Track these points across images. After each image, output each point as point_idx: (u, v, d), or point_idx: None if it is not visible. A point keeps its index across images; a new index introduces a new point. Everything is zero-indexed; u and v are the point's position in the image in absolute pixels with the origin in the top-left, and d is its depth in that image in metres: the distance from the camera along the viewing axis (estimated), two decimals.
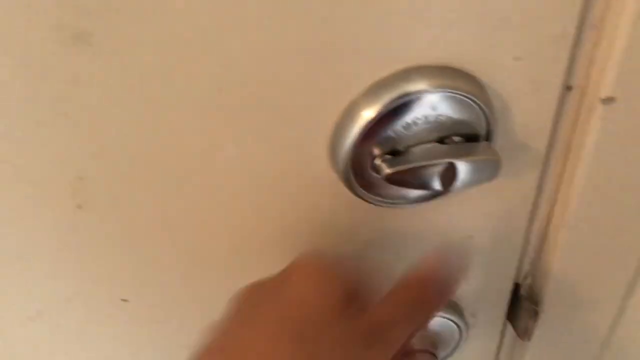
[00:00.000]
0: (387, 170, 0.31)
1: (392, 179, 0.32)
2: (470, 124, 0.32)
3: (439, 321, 0.46)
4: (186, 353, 0.40)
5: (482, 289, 0.45)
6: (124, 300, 0.37)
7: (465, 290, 0.45)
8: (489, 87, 0.32)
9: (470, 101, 0.31)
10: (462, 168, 0.32)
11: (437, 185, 0.32)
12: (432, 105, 0.31)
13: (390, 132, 0.31)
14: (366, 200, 0.34)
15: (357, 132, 0.30)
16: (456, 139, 0.32)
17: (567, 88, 0.34)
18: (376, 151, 0.32)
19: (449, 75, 0.30)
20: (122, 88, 0.28)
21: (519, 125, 0.34)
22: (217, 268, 0.37)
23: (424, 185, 0.32)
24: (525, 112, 0.34)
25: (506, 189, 0.38)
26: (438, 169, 0.32)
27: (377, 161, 0.32)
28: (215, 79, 0.28)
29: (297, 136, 0.31)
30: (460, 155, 0.31)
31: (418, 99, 0.30)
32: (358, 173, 0.33)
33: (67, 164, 0.30)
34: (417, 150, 0.32)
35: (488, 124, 0.32)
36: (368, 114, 0.30)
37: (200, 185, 0.32)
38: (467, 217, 0.39)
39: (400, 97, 0.30)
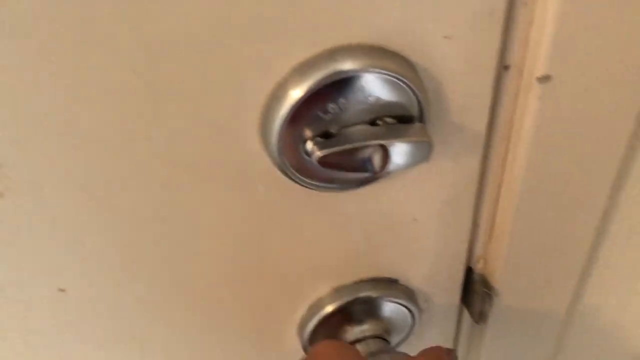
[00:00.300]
0: (318, 152, 0.31)
1: (325, 162, 0.31)
2: (402, 106, 0.31)
3: (391, 307, 0.45)
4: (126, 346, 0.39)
5: (434, 273, 0.45)
6: (62, 290, 0.36)
7: (417, 276, 0.45)
8: (420, 68, 0.31)
9: (399, 82, 0.30)
10: (394, 150, 0.31)
11: (370, 167, 0.32)
12: (361, 86, 0.30)
13: (320, 113, 0.30)
14: (302, 185, 0.34)
15: (286, 112, 0.30)
16: (389, 120, 0.32)
17: (505, 67, 0.34)
18: (307, 134, 0.31)
19: (377, 55, 0.30)
20: (40, 70, 0.27)
21: (457, 106, 0.34)
22: (150, 258, 0.36)
23: (357, 167, 0.32)
24: (462, 93, 0.33)
25: (449, 172, 0.37)
26: (370, 151, 0.31)
27: (309, 144, 0.31)
28: (130, 60, 0.27)
29: (225, 119, 0.31)
30: (391, 137, 0.31)
31: (346, 79, 0.30)
32: (291, 157, 0.32)
33: None
34: (348, 132, 0.31)
35: (420, 105, 0.32)
36: (296, 93, 0.29)
37: (127, 173, 0.31)
38: (410, 200, 0.38)
39: (327, 76, 0.29)
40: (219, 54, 0.28)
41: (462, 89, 0.33)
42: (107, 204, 0.32)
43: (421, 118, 0.32)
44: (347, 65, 0.29)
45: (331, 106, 0.30)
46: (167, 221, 0.34)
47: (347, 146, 0.30)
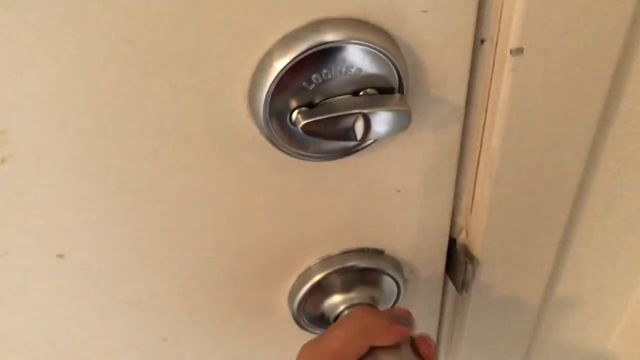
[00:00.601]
0: (302, 121, 0.32)
1: (309, 130, 0.33)
2: (383, 78, 0.33)
3: (378, 276, 0.47)
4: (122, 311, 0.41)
5: (419, 244, 0.47)
6: (60, 256, 0.38)
7: (402, 246, 0.47)
8: (400, 41, 0.33)
9: (380, 54, 0.32)
10: (375, 119, 0.33)
11: (352, 135, 0.33)
12: (343, 58, 0.32)
13: (304, 83, 0.32)
14: (288, 154, 0.35)
15: (271, 82, 0.31)
16: (370, 91, 0.34)
17: (481, 41, 0.35)
18: (293, 104, 0.33)
19: (358, 28, 0.31)
20: (40, 41, 0.28)
21: (436, 79, 0.35)
22: (145, 224, 0.38)
23: (340, 136, 0.33)
24: (440, 66, 0.35)
25: (430, 143, 0.39)
26: (351, 120, 0.33)
27: (294, 113, 0.33)
28: (124, 31, 0.29)
29: (215, 89, 0.32)
30: (372, 106, 0.32)
31: (329, 50, 0.31)
32: (277, 126, 0.34)
33: None
34: (331, 102, 0.33)
35: (400, 77, 0.33)
36: (280, 64, 0.31)
37: (122, 141, 0.33)
38: (393, 172, 0.40)
39: (310, 47, 0.31)
40: (207, 25, 0.30)
41: (441, 62, 0.35)
42: (103, 171, 0.34)
43: (401, 89, 0.34)
44: (329, 36, 0.31)
45: (315, 77, 0.32)
46: (159, 187, 0.36)
47: (330, 115, 0.32)
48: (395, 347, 0.38)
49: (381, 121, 0.33)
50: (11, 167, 0.33)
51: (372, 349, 0.38)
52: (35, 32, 0.28)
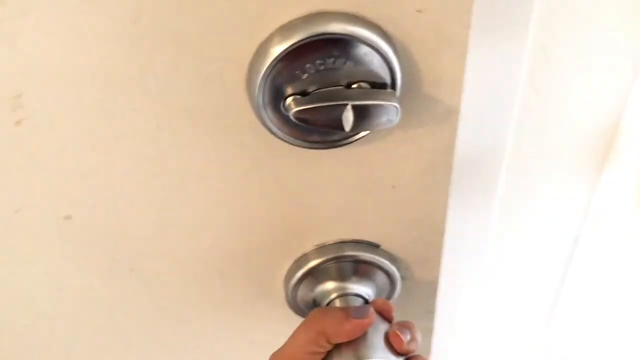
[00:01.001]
0: (294, 108, 0.34)
1: (300, 118, 0.34)
2: (376, 73, 0.34)
3: (372, 270, 0.48)
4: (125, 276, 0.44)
5: (414, 242, 0.48)
6: (68, 217, 0.41)
7: (398, 242, 0.48)
8: (395, 39, 0.34)
9: (374, 50, 0.33)
10: (363, 111, 0.34)
11: (340, 126, 0.35)
12: (337, 51, 0.33)
13: (298, 72, 0.34)
14: (283, 140, 0.37)
15: (267, 67, 0.33)
16: (363, 85, 0.35)
17: None
18: (287, 90, 0.35)
19: (353, 22, 0.33)
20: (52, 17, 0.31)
21: (431, 78, 0.36)
22: (150, 194, 0.40)
23: (329, 125, 0.35)
24: (436, 65, 0.36)
25: (426, 141, 0.40)
26: (341, 110, 0.34)
27: (288, 100, 0.35)
28: (130, 11, 0.31)
29: (215, 73, 0.34)
30: (360, 99, 0.34)
31: (323, 42, 0.33)
32: (272, 111, 0.35)
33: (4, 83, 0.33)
34: (322, 91, 0.34)
35: (393, 73, 0.35)
36: (277, 50, 0.33)
37: (127, 115, 0.36)
38: (388, 167, 0.41)
39: (306, 38, 0.32)
40: (211, 10, 0.32)
41: (436, 61, 0.36)
42: (111, 140, 0.37)
43: (394, 86, 0.35)
44: (323, 28, 0.32)
45: (308, 66, 0.34)
46: (161, 160, 0.38)
47: (320, 104, 0.34)
48: (360, 339, 0.39)
49: (370, 114, 0.34)
50: (25, 130, 0.35)
51: (337, 345, 0.39)
52: (52, 5, 0.31)
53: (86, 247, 0.43)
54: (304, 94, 0.35)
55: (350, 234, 0.46)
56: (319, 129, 0.37)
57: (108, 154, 0.37)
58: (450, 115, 0.39)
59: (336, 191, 0.42)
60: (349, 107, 0.34)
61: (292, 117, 0.34)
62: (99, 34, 0.32)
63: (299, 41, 0.32)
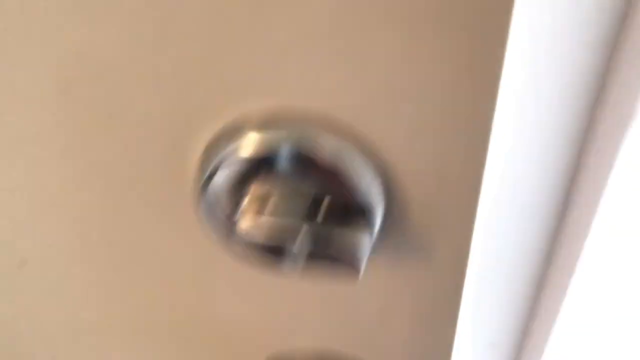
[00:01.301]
0: (242, 222, 0.27)
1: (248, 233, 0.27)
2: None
3: None
4: None
5: None
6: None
7: None
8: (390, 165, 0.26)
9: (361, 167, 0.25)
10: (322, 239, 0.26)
11: (289, 248, 0.26)
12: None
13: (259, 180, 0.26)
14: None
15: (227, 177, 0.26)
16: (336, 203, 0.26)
17: None
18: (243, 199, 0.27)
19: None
20: None
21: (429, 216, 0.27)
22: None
23: (277, 246, 0.27)
24: (434, 207, 0.27)
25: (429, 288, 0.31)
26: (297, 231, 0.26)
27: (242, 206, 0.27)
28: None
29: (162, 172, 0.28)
30: (322, 229, 0.26)
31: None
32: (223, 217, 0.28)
33: None
34: (280, 205, 0.27)
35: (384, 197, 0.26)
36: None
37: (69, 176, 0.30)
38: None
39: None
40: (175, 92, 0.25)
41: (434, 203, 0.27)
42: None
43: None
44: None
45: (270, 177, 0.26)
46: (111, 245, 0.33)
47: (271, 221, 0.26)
48: None
49: (329, 245, 0.26)
50: None
51: None
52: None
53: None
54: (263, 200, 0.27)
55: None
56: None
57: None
58: (460, 257, 0.29)
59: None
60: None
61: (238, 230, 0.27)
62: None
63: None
